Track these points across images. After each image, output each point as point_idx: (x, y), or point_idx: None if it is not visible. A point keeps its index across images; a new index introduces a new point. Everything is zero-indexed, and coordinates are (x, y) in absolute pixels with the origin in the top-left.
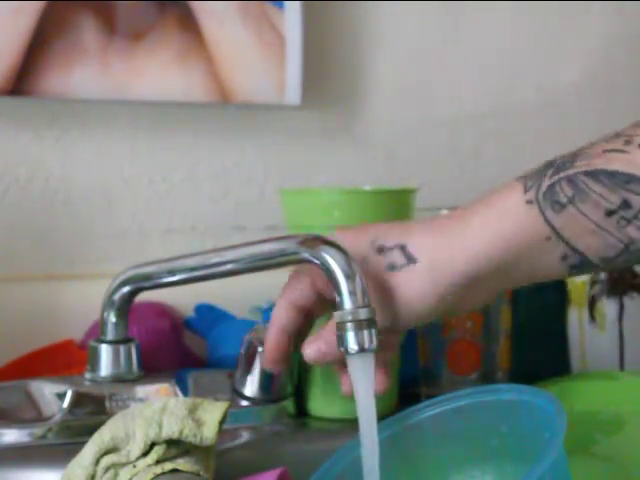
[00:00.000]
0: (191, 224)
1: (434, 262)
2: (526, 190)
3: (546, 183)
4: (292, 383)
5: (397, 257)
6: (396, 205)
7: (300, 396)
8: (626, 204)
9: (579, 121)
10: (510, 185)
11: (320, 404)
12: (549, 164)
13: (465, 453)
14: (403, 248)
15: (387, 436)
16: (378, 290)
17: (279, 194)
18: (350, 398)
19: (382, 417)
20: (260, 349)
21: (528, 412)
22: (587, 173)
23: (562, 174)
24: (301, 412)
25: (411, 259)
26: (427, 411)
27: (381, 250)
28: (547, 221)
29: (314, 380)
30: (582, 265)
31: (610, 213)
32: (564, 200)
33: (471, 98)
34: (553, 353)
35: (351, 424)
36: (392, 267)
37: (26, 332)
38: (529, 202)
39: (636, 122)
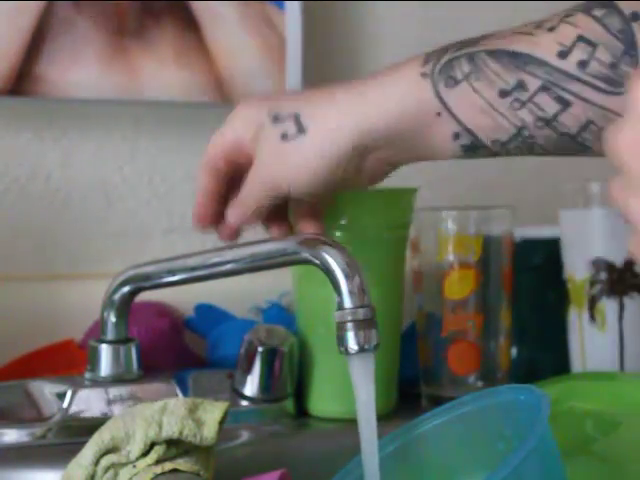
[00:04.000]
0: (191, 224)
1: (321, 132)
2: (424, 63)
3: (446, 58)
4: (292, 383)
5: (290, 126)
6: (396, 205)
7: (300, 396)
8: (521, 85)
9: None
10: (413, 57)
11: (320, 404)
12: (455, 42)
13: (474, 460)
14: (297, 117)
15: (394, 449)
16: (272, 158)
17: None
18: (350, 398)
19: (381, 417)
20: (260, 349)
21: (526, 412)
22: (488, 52)
23: (464, 51)
24: (301, 412)
25: (301, 129)
26: (432, 421)
27: (276, 119)
28: (438, 96)
29: (314, 380)
30: (474, 146)
31: (504, 93)
32: (459, 76)
33: None
34: (553, 353)
35: (351, 424)
36: (284, 136)
37: (26, 332)
38: (423, 75)
39: (563, 11)
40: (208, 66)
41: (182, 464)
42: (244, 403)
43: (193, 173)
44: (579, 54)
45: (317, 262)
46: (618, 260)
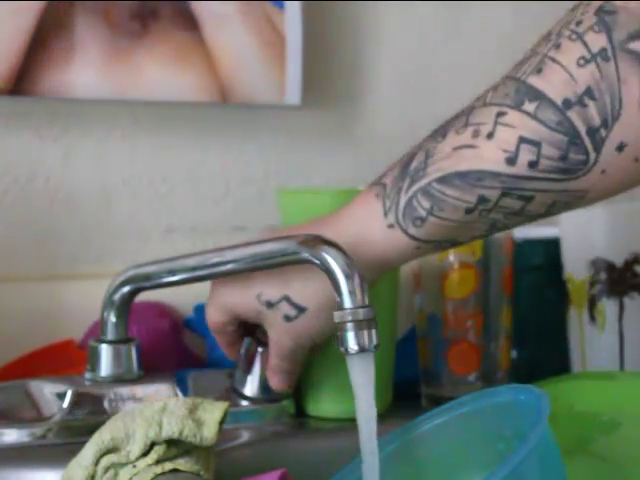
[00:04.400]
0: (191, 224)
1: (322, 305)
2: (386, 212)
3: (403, 200)
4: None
5: (287, 309)
6: None
7: (300, 396)
8: (483, 200)
9: None
10: (368, 204)
11: (320, 404)
12: (404, 170)
13: (474, 460)
14: (288, 299)
15: (394, 449)
16: (286, 334)
17: (277, 195)
18: (348, 398)
19: (377, 417)
20: (260, 349)
21: (526, 412)
22: (440, 180)
23: (416, 186)
24: (301, 412)
25: (300, 308)
26: (432, 421)
27: (270, 305)
28: (413, 237)
29: (313, 380)
30: (454, 244)
31: (470, 210)
32: (424, 214)
33: (471, 98)
34: (553, 353)
35: (351, 424)
36: (288, 318)
37: (26, 332)
38: (390, 226)
39: (481, 99)
40: (208, 66)
41: (182, 464)
42: (244, 403)
43: (193, 173)
44: (526, 156)
45: (317, 262)
46: (618, 260)
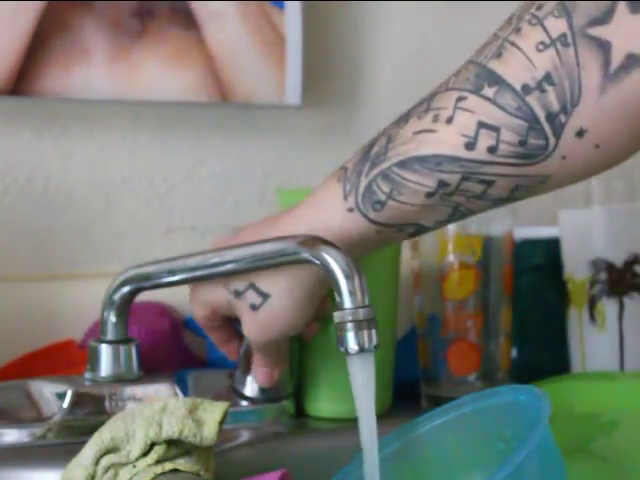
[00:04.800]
0: (191, 224)
1: (285, 291)
2: (346, 196)
3: (363, 184)
4: (292, 383)
5: (253, 297)
6: None
7: (300, 396)
8: (443, 184)
9: None
10: (330, 189)
11: (320, 404)
12: (366, 155)
13: (474, 460)
14: (254, 286)
15: (394, 449)
16: (254, 324)
17: (277, 195)
18: (348, 398)
19: (377, 417)
20: None
21: (526, 412)
22: (399, 164)
23: (376, 170)
24: (301, 412)
25: (265, 295)
26: (432, 421)
27: (238, 293)
28: (372, 221)
29: (314, 380)
30: (420, 230)
31: (430, 195)
32: (383, 197)
33: None
34: (553, 353)
35: (351, 424)
36: (253, 307)
37: (26, 332)
38: (350, 210)
39: (444, 84)
40: (208, 66)
41: (182, 464)
42: (244, 403)
43: (193, 173)
44: (485, 141)
45: (317, 262)
46: (618, 260)
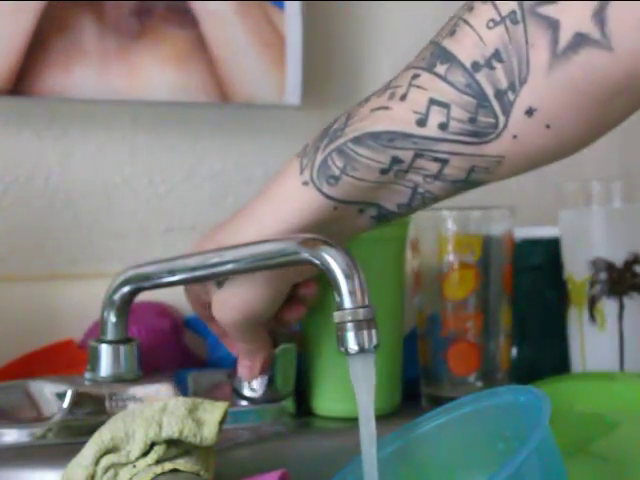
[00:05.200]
0: (191, 224)
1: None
2: (302, 170)
3: (319, 159)
4: (291, 384)
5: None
6: None
7: (308, 395)
8: (396, 160)
9: None
10: (289, 164)
11: (326, 403)
12: (326, 131)
13: (474, 461)
14: None
15: (394, 450)
16: (215, 303)
17: None
18: (350, 398)
19: (385, 416)
20: None
21: (526, 413)
22: (354, 140)
23: (333, 145)
24: (307, 412)
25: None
26: (432, 421)
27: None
28: (327, 196)
29: (320, 379)
30: (383, 214)
31: (384, 171)
32: (337, 172)
33: None
34: (553, 353)
35: (351, 424)
36: (219, 283)
37: (26, 332)
38: (305, 183)
39: (410, 64)
40: (208, 66)
41: (182, 464)
42: (244, 403)
43: (193, 173)
44: (436, 118)
45: (317, 262)
46: (618, 260)
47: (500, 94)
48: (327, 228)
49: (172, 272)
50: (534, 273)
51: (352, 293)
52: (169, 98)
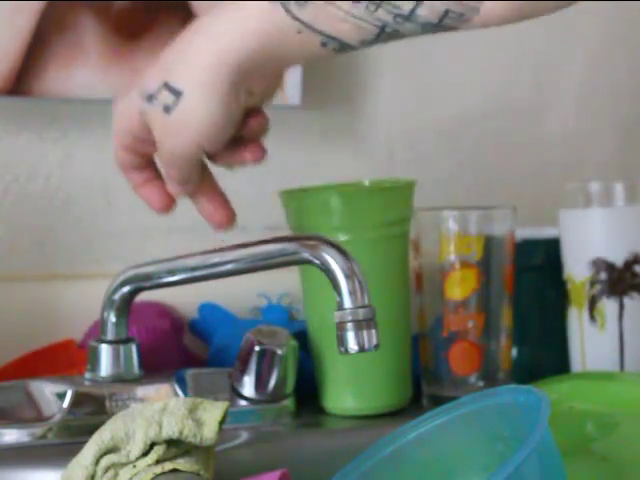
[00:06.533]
0: (191, 224)
1: (196, 85)
2: None
3: None
4: (291, 384)
5: (166, 97)
6: (395, 200)
7: (319, 393)
8: None
9: (579, 121)
10: None
11: (336, 401)
12: None
13: (473, 461)
14: (167, 85)
15: (393, 450)
16: (167, 135)
17: (279, 196)
18: (366, 395)
19: (399, 411)
20: (257, 348)
21: (526, 413)
22: None
23: None
24: (321, 409)
25: (178, 93)
26: (431, 421)
27: (150, 98)
28: (294, 17)
29: (329, 378)
30: (344, 48)
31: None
32: None
33: (471, 98)
34: (553, 353)
35: (351, 423)
36: (167, 109)
37: (26, 332)
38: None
39: None
40: None
41: (182, 464)
42: (244, 403)
43: None
44: None
45: (317, 262)
46: (618, 260)
47: None
48: (288, 48)
49: (172, 272)
50: (534, 273)
51: (352, 293)
52: None
